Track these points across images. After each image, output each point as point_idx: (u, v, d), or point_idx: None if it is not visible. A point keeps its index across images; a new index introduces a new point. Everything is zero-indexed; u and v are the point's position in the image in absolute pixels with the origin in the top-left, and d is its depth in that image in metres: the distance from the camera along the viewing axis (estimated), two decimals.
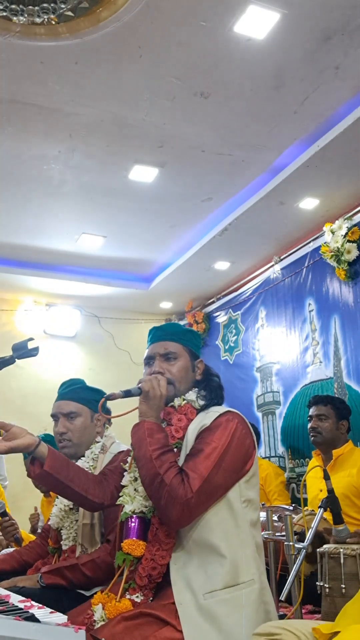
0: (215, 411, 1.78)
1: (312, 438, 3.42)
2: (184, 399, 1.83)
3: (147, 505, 1.73)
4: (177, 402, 1.84)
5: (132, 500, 1.76)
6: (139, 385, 1.78)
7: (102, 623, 1.58)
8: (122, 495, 1.80)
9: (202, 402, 1.83)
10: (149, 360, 1.90)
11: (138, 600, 1.63)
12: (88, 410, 2.31)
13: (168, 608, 1.58)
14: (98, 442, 2.30)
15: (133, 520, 1.73)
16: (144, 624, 1.53)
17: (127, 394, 1.78)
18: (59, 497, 2.26)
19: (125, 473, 1.86)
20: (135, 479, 1.80)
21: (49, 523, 2.32)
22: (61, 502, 2.23)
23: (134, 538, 1.70)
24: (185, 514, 1.60)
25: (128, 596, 1.64)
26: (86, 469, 2.18)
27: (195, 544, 1.65)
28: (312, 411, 3.49)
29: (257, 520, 1.77)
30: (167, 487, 1.59)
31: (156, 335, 1.94)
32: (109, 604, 1.62)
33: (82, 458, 2.26)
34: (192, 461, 1.66)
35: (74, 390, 2.36)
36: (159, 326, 1.99)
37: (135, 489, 1.78)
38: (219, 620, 1.54)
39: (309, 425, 3.46)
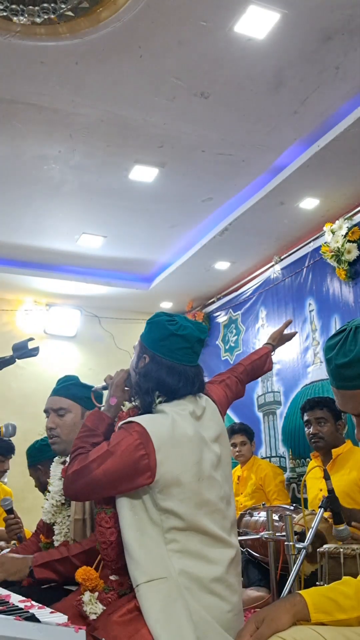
0: (127, 420, 1.81)
1: (314, 444, 3.32)
2: (126, 405, 1.96)
3: None
4: (125, 407, 1.96)
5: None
6: (105, 381, 2.05)
7: (91, 606, 1.67)
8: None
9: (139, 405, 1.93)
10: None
11: (114, 578, 1.77)
12: (79, 407, 2.31)
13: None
14: None
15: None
16: (135, 618, 1.59)
17: (100, 393, 2.07)
18: (50, 491, 2.26)
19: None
20: None
21: (41, 518, 2.32)
22: (52, 498, 2.23)
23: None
24: (66, 484, 1.80)
25: (109, 577, 1.77)
26: None
27: (122, 544, 1.73)
28: (308, 415, 3.41)
29: (185, 527, 1.72)
30: (77, 463, 1.76)
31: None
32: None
33: None
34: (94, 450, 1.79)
35: (66, 386, 2.36)
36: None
37: None
38: (149, 612, 1.59)
39: (309, 430, 3.37)
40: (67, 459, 2.27)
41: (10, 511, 2.79)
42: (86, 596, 1.69)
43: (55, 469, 2.32)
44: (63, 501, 2.23)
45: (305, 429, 3.44)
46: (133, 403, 1.93)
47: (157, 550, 1.68)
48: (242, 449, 4.34)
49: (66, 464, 2.25)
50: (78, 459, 1.76)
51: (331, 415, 3.37)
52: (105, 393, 2.03)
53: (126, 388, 1.99)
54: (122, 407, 1.95)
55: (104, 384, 2.05)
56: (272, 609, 1.23)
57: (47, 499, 2.26)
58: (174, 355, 1.87)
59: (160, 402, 1.84)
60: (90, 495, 1.81)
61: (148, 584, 1.62)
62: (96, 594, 1.70)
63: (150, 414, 1.82)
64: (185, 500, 1.72)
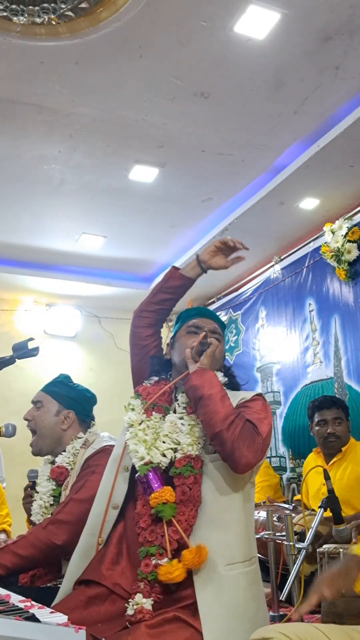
0: (247, 391, 1.86)
1: (330, 443, 3.27)
2: (215, 374, 1.86)
3: (166, 456, 1.72)
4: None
5: (150, 450, 1.73)
6: (209, 340, 1.84)
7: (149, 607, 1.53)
8: (133, 444, 1.76)
9: (226, 386, 1.85)
10: (197, 329, 1.94)
11: (164, 562, 1.58)
12: (55, 403, 2.30)
13: (189, 611, 1.55)
14: (80, 437, 2.28)
15: (154, 471, 1.71)
16: (169, 631, 1.48)
17: (203, 346, 1.84)
18: (38, 492, 2.25)
19: (131, 416, 1.83)
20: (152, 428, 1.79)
21: (31, 519, 2.31)
22: (41, 499, 2.23)
23: (160, 489, 1.67)
24: (257, 455, 1.63)
25: (154, 561, 1.59)
26: (66, 464, 2.20)
27: (215, 517, 1.66)
28: (324, 415, 3.33)
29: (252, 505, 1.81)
30: (241, 427, 1.62)
31: (204, 312, 2.08)
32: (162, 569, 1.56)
33: (62, 453, 2.25)
34: (252, 417, 1.69)
35: (52, 382, 2.37)
36: (204, 307, 2.07)
37: (153, 438, 1.76)
38: (238, 592, 1.57)
39: (324, 429, 3.30)
40: (57, 459, 2.26)
41: (33, 485, 2.70)
42: (147, 603, 1.54)
43: (44, 470, 2.31)
44: (52, 502, 2.22)
45: (317, 427, 3.37)
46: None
47: (251, 527, 1.73)
48: None
49: (55, 464, 2.25)
50: (253, 424, 1.67)
51: (344, 414, 3.36)
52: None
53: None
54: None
55: (202, 345, 1.86)
56: (345, 568, 1.29)
57: (35, 500, 2.25)
58: None
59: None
60: (261, 460, 1.72)
61: (249, 562, 1.65)
62: (151, 600, 1.54)
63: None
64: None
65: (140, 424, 1.80)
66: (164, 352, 2.02)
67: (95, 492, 1.87)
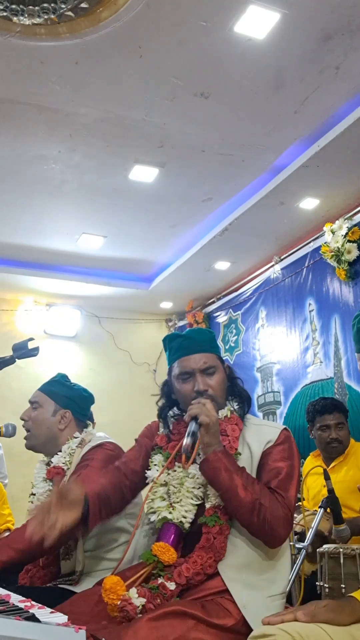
0: (272, 426, 1.82)
1: (335, 449, 3.25)
2: (230, 410, 1.82)
3: (187, 517, 1.70)
4: (222, 413, 1.81)
5: (172, 510, 1.72)
6: (198, 420, 1.67)
7: (139, 609, 1.51)
8: (153, 499, 1.76)
9: (241, 410, 1.84)
10: (187, 375, 1.81)
11: (171, 587, 1.59)
12: (52, 403, 2.29)
13: (189, 602, 1.55)
14: (76, 437, 2.28)
15: (171, 527, 1.70)
16: (170, 625, 1.46)
17: (194, 437, 1.67)
18: (35, 494, 2.24)
19: (150, 472, 1.82)
20: (174, 485, 1.77)
21: (28, 520, 2.30)
22: (38, 500, 2.22)
23: (167, 543, 1.66)
24: (288, 530, 1.64)
25: (161, 580, 1.61)
26: (62, 465, 2.18)
27: (253, 552, 1.66)
28: (325, 420, 3.31)
29: None
30: (268, 509, 1.61)
31: (188, 346, 1.85)
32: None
33: (58, 454, 2.25)
34: (277, 480, 1.68)
35: (49, 382, 2.36)
36: (185, 335, 1.90)
37: (169, 495, 1.75)
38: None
39: (327, 435, 3.28)
40: (52, 460, 2.25)
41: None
42: (136, 599, 1.52)
43: (40, 471, 2.30)
44: None
45: (319, 432, 3.34)
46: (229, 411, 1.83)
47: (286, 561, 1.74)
48: None
49: (51, 465, 2.24)
50: (280, 497, 1.64)
51: (344, 418, 3.34)
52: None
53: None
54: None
55: (194, 427, 1.67)
56: (334, 603, 1.25)
57: (31, 502, 2.24)
58: None
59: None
60: None
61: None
62: (144, 600, 1.53)
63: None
64: None
65: (161, 483, 1.79)
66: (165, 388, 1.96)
67: (88, 485, 1.85)
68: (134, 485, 1.88)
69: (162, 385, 1.97)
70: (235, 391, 1.88)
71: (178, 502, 1.72)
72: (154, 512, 1.74)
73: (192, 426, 1.67)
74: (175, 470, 1.78)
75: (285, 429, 1.79)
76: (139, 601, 1.51)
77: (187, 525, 1.70)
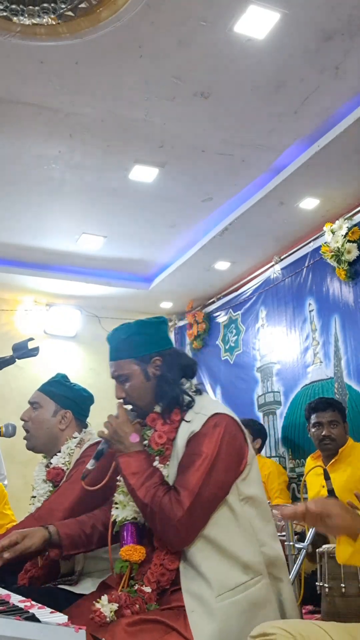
0: (203, 414, 1.72)
1: (325, 446, 3.27)
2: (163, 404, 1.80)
3: (139, 512, 1.72)
4: (157, 408, 1.80)
5: (124, 508, 1.75)
6: (102, 438, 1.78)
7: (111, 616, 1.54)
8: (115, 506, 1.79)
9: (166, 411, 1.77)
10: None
11: (148, 590, 1.61)
12: (52, 403, 2.29)
13: (173, 613, 1.56)
14: (75, 437, 2.28)
15: (127, 527, 1.73)
16: (146, 630, 1.49)
17: (99, 456, 1.79)
18: (35, 495, 2.24)
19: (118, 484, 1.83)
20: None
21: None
22: (39, 501, 2.21)
23: (130, 544, 1.69)
24: (182, 534, 1.58)
25: (137, 585, 1.62)
26: (62, 465, 2.19)
27: (203, 547, 1.62)
28: (319, 418, 3.34)
29: (262, 513, 1.74)
30: (158, 513, 1.58)
31: (109, 353, 1.91)
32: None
33: (57, 454, 2.25)
34: (182, 475, 1.64)
35: (49, 382, 2.37)
36: (109, 336, 1.93)
37: (125, 494, 1.77)
38: (232, 622, 1.53)
39: (319, 432, 3.31)
40: (52, 460, 2.25)
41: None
42: (106, 606, 1.55)
43: (39, 472, 2.30)
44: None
45: (313, 429, 3.38)
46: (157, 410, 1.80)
47: (251, 545, 1.66)
48: None
49: (50, 467, 2.24)
50: (177, 497, 1.58)
51: (340, 416, 3.35)
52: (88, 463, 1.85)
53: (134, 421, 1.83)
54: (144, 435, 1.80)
55: (101, 445, 1.81)
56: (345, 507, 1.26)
57: (32, 504, 2.25)
58: (171, 343, 1.93)
59: (194, 385, 1.85)
60: (206, 517, 1.62)
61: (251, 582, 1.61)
62: (115, 605, 1.55)
63: (205, 401, 1.79)
64: (257, 483, 1.75)
65: (118, 490, 1.81)
66: None
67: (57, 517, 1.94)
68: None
69: None
70: (159, 392, 1.80)
71: (130, 501, 1.75)
72: (114, 515, 1.77)
73: (100, 445, 1.79)
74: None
75: (214, 414, 1.70)
76: (109, 608, 1.54)
77: (141, 519, 1.72)
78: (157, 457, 1.73)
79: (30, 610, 1.22)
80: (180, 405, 1.77)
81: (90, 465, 1.78)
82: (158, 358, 1.84)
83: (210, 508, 1.63)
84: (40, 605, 1.30)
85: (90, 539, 1.90)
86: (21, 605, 1.29)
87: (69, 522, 1.90)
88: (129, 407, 1.84)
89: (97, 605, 1.55)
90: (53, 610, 1.23)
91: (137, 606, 1.57)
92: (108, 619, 1.52)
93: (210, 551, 1.61)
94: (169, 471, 1.71)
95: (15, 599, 1.38)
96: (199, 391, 1.85)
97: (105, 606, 1.54)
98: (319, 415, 3.35)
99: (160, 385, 1.81)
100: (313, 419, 3.39)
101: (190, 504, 1.57)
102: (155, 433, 1.76)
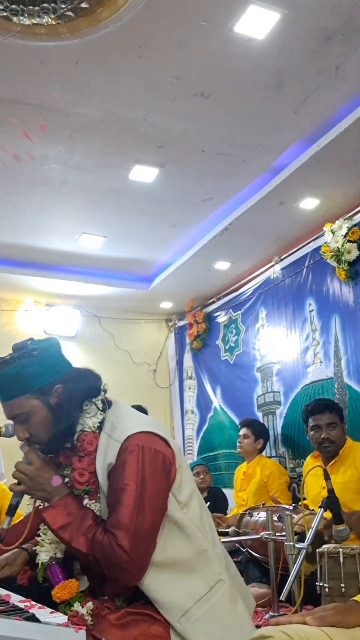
0: (115, 439, 1.63)
1: (325, 448, 3.25)
2: (73, 438, 1.67)
3: (59, 548, 1.69)
4: (67, 444, 1.68)
5: (43, 547, 1.71)
6: (14, 490, 1.66)
7: (88, 616, 1.55)
8: (39, 548, 1.74)
9: (92, 427, 1.66)
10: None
11: (118, 603, 1.62)
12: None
13: (153, 605, 1.57)
14: None
15: (52, 568, 1.69)
16: (132, 622, 1.52)
17: (13, 510, 1.67)
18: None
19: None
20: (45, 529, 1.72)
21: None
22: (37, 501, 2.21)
23: (62, 582, 1.65)
24: (133, 572, 1.52)
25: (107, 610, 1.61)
26: None
27: (156, 575, 1.56)
28: (317, 420, 3.32)
29: (200, 513, 1.69)
30: (102, 558, 1.52)
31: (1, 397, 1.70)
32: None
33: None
34: (112, 516, 1.55)
35: None
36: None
37: (43, 535, 1.72)
38: (204, 636, 1.52)
39: (317, 434, 3.30)
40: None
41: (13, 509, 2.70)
42: (80, 608, 1.55)
43: None
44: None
45: (311, 432, 3.37)
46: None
47: (203, 552, 1.62)
48: (243, 441, 4.43)
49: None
50: (115, 539, 1.50)
51: (338, 418, 3.34)
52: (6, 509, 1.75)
53: (50, 455, 1.73)
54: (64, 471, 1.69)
55: (13, 499, 1.69)
56: (342, 606, 1.23)
57: (29, 504, 2.24)
58: (68, 364, 1.78)
59: (100, 401, 1.73)
60: (152, 547, 1.56)
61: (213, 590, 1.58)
62: (90, 604, 1.56)
63: (115, 417, 1.70)
64: (188, 483, 1.69)
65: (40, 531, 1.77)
66: None
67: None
68: None
69: None
70: (63, 426, 1.66)
71: (46, 542, 1.71)
72: (40, 560, 1.71)
73: (12, 500, 1.68)
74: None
75: (125, 439, 1.59)
76: (85, 608, 1.55)
77: (59, 555, 1.69)
78: (85, 496, 1.64)
79: (30, 610, 1.22)
80: (92, 431, 1.66)
81: (5, 524, 1.65)
82: (59, 386, 1.69)
83: (153, 535, 1.56)
84: (40, 605, 1.30)
85: (70, 552, 1.90)
86: (21, 605, 1.29)
87: None
88: (36, 446, 1.70)
89: (74, 610, 1.56)
90: (53, 610, 1.23)
91: (107, 609, 1.59)
92: (89, 621, 1.53)
93: (164, 575, 1.57)
94: (101, 505, 1.64)
95: (15, 599, 1.38)
96: (109, 404, 1.75)
97: (80, 608, 1.56)
98: (316, 417, 3.34)
99: (63, 418, 1.66)
100: (311, 421, 3.38)
101: (130, 544, 1.49)
102: (75, 472, 1.64)
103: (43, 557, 1.69)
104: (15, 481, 1.68)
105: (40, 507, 1.68)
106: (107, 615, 1.55)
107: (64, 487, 1.64)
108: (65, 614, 1.55)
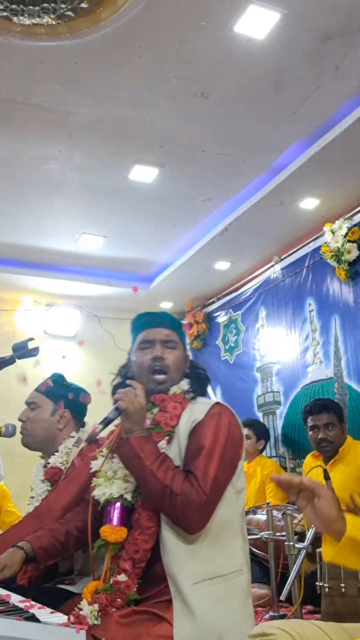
0: (204, 403, 1.76)
1: (323, 448, 3.26)
2: (179, 388, 1.80)
3: (128, 490, 1.70)
4: (172, 390, 1.80)
5: (110, 485, 1.72)
6: (116, 405, 1.72)
7: (92, 617, 1.54)
8: (96, 481, 1.75)
9: (192, 394, 1.80)
10: (148, 344, 1.84)
11: (123, 579, 1.61)
12: (50, 403, 2.30)
13: (164, 605, 1.58)
14: (72, 436, 2.28)
15: (113, 506, 1.70)
16: (138, 621, 1.53)
17: (107, 422, 1.72)
18: (33, 496, 2.24)
19: (96, 461, 1.80)
20: (112, 466, 1.76)
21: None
22: (37, 501, 2.21)
23: (113, 524, 1.68)
24: (204, 516, 1.59)
25: (112, 579, 1.62)
26: (59, 464, 2.20)
27: (187, 535, 1.62)
28: (315, 420, 3.33)
29: (244, 509, 1.77)
30: (180, 495, 1.57)
31: (156, 321, 1.88)
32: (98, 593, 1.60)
33: (55, 454, 2.25)
34: (196, 461, 1.63)
35: (45, 383, 2.37)
36: (153, 312, 1.92)
37: (113, 472, 1.74)
38: (207, 612, 1.54)
39: (315, 434, 3.31)
40: (50, 460, 2.25)
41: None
42: (85, 608, 1.56)
43: (37, 473, 2.30)
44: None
45: (310, 432, 3.38)
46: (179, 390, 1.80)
47: (237, 539, 1.67)
48: (244, 442, 4.40)
49: (48, 466, 2.24)
50: (196, 481, 1.58)
51: (337, 418, 3.34)
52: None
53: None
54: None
55: (112, 413, 1.74)
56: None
57: (30, 504, 2.25)
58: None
59: None
60: (218, 502, 1.64)
61: (228, 576, 1.61)
62: (96, 606, 1.56)
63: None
64: (244, 476, 1.76)
65: (101, 468, 1.78)
66: (125, 368, 1.94)
67: (80, 476, 1.94)
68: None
69: (120, 367, 1.97)
70: (191, 374, 1.86)
71: (117, 477, 1.73)
72: (99, 493, 1.73)
73: (110, 413, 1.72)
74: (113, 461, 1.77)
75: (216, 403, 1.74)
76: (89, 609, 1.55)
77: (129, 497, 1.70)
78: (165, 438, 1.72)
79: (30, 610, 1.22)
80: (194, 397, 1.79)
81: (99, 429, 1.72)
82: (188, 356, 1.93)
83: (222, 492, 1.65)
84: (40, 605, 1.30)
85: (65, 546, 1.90)
86: (21, 605, 1.29)
87: (42, 533, 1.90)
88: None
89: (77, 609, 1.56)
90: (53, 610, 1.23)
91: (119, 600, 1.58)
92: (90, 622, 1.52)
93: (202, 537, 1.62)
94: (171, 454, 1.71)
95: (15, 599, 1.39)
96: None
97: (86, 608, 1.55)
98: (314, 418, 3.35)
99: (195, 374, 1.85)
100: (309, 422, 3.39)
101: (210, 489, 1.58)
102: (167, 414, 1.74)
103: (114, 491, 1.70)
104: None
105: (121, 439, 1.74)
106: (113, 613, 1.55)
107: (148, 431, 1.74)
108: (98, 554, 1.65)
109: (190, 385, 1.82)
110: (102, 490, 1.72)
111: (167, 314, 1.94)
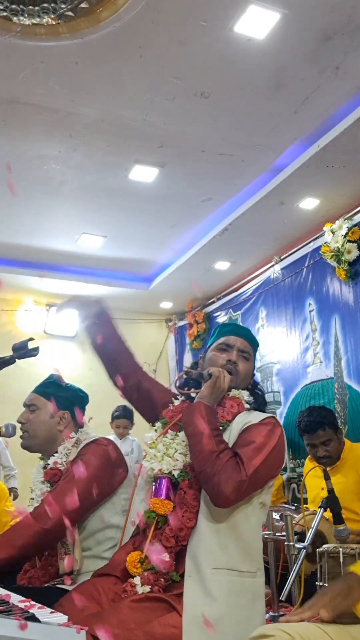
0: (260, 413, 1.86)
1: (324, 463, 3.18)
2: (239, 393, 1.91)
3: (176, 467, 1.77)
4: (232, 393, 1.90)
5: (161, 460, 1.80)
6: (210, 371, 1.84)
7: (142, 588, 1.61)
8: (148, 452, 1.85)
9: (249, 406, 1.90)
10: (227, 347, 1.96)
11: (167, 559, 1.66)
12: (50, 405, 2.30)
13: (175, 596, 1.60)
14: (72, 437, 2.28)
15: (161, 481, 1.77)
16: (149, 608, 1.55)
17: (200, 376, 1.86)
18: (33, 498, 2.24)
19: (151, 435, 1.91)
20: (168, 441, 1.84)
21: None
22: (37, 502, 2.21)
23: (161, 497, 1.74)
24: (237, 495, 1.63)
25: (156, 557, 1.67)
26: (59, 465, 2.20)
27: (217, 523, 1.68)
28: (311, 439, 3.26)
29: (262, 523, 1.83)
30: (224, 464, 1.63)
31: (239, 331, 2.04)
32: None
33: (54, 455, 2.25)
34: (245, 449, 1.70)
35: (44, 384, 2.37)
36: (240, 325, 2.08)
37: (166, 448, 1.82)
38: (217, 599, 1.58)
39: (315, 452, 3.25)
40: (49, 461, 2.25)
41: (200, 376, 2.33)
42: (139, 588, 1.61)
43: (37, 473, 2.30)
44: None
45: (307, 448, 3.31)
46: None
47: (256, 544, 1.74)
48: None
49: (47, 467, 2.25)
50: (242, 463, 1.66)
51: (333, 431, 3.27)
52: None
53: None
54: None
55: (197, 371, 1.90)
56: (342, 588, 1.23)
57: (30, 505, 2.24)
58: None
59: None
60: (250, 494, 1.72)
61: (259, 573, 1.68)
62: (148, 587, 1.62)
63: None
64: (270, 495, 1.82)
65: (155, 441, 1.87)
66: (197, 366, 2.04)
67: (80, 479, 1.97)
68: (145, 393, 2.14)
69: (192, 363, 2.09)
70: (252, 389, 1.97)
71: (168, 454, 1.80)
72: (149, 467, 1.82)
73: (204, 373, 1.84)
74: (166, 437, 1.86)
75: (272, 416, 1.84)
76: (142, 589, 1.61)
77: (176, 474, 1.76)
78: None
79: (30, 610, 1.22)
80: (250, 409, 1.90)
81: (195, 372, 1.87)
82: (253, 374, 2.04)
83: (257, 488, 1.71)
84: (40, 605, 1.30)
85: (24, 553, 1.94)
86: (21, 605, 1.29)
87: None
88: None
89: (134, 582, 1.62)
90: (53, 610, 1.23)
91: (162, 580, 1.64)
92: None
93: (230, 530, 1.68)
94: None
95: (15, 599, 1.38)
96: None
97: (139, 587, 1.62)
98: (310, 437, 3.27)
99: (256, 384, 1.99)
100: (305, 439, 3.32)
101: (252, 474, 1.64)
102: (224, 409, 1.84)
103: (163, 467, 1.78)
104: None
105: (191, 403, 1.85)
106: (125, 598, 1.59)
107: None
108: (147, 522, 1.71)
109: (250, 397, 1.93)
110: (152, 464, 1.80)
111: (250, 331, 2.10)
